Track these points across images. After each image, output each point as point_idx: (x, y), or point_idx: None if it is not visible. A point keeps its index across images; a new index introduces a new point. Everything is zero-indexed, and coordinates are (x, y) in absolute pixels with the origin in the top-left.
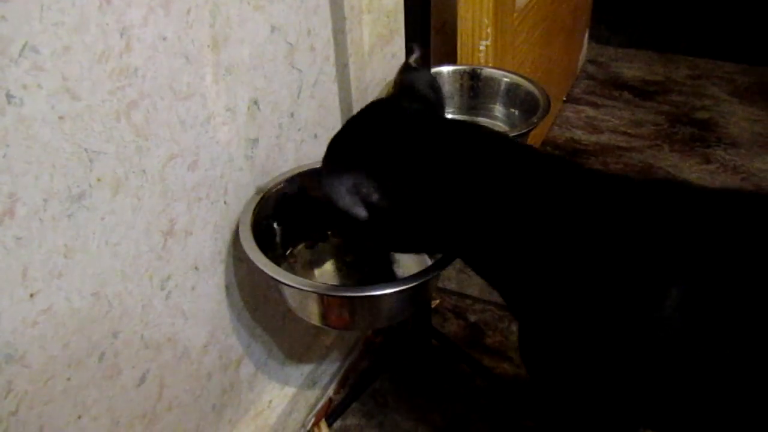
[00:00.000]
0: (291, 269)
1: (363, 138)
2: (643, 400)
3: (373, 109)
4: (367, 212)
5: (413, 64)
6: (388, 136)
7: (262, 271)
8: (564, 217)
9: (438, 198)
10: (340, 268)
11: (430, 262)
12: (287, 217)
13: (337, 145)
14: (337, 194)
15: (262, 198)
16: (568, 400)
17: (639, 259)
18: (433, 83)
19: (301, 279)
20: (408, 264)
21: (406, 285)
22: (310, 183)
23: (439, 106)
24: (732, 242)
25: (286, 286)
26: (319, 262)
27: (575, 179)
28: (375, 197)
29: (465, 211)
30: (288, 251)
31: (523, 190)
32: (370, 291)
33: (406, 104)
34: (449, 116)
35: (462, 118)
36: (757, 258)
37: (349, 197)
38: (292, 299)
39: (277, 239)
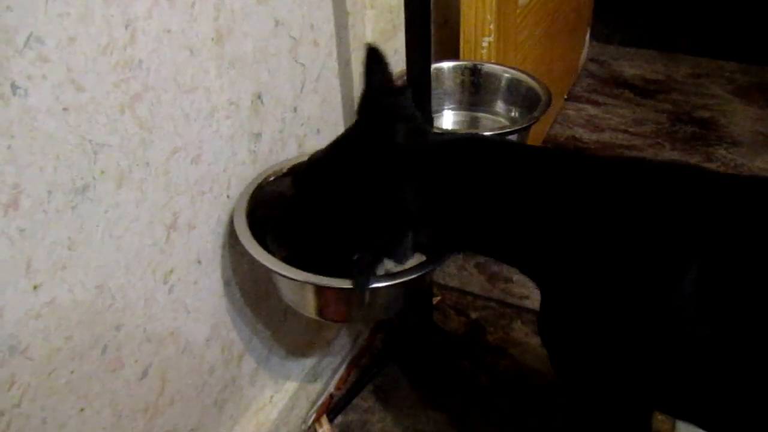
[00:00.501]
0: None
1: (388, 193)
2: (659, 379)
3: (369, 150)
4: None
5: (393, 79)
6: (412, 181)
7: (263, 265)
8: (584, 203)
9: (475, 215)
10: None
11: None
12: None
13: (361, 204)
14: (401, 257)
15: (258, 187)
16: (584, 378)
17: (658, 239)
18: (410, 105)
19: (296, 270)
20: None
21: (401, 278)
22: None
23: (422, 128)
24: (745, 224)
25: (281, 277)
26: None
27: (592, 168)
28: (428, 240)
29: (499, 218)
30: None
31: (548, 185)
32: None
33: (401, 136)
34: (453, 118)
35: (465, 121)
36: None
37: (410, 252)
38: (287, 291)
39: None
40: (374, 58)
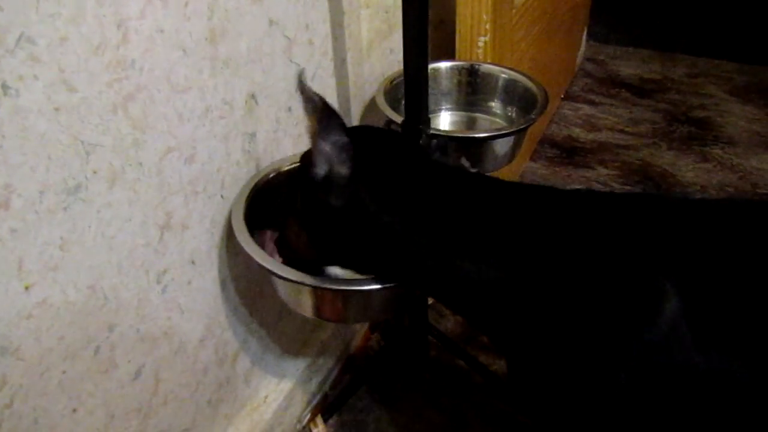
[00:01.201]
0: None
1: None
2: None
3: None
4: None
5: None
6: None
7: (258, 265)
8: (541, 248)
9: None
10: None
11: None
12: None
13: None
14: (317, 144)
15: (254, 186)
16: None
17: (624, 291)
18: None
19: (293, 271)
20: None
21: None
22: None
23: (425, 123)
24: (710, 266)
25: (278, 278)
26: None
27: (549, 210)
28: (345, 169)
29: (437, 245)
30: None
31: (498, 227)
32: (362, 285)
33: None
34: (450, 118)
35: (462, 123)
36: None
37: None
38: (284, 291)
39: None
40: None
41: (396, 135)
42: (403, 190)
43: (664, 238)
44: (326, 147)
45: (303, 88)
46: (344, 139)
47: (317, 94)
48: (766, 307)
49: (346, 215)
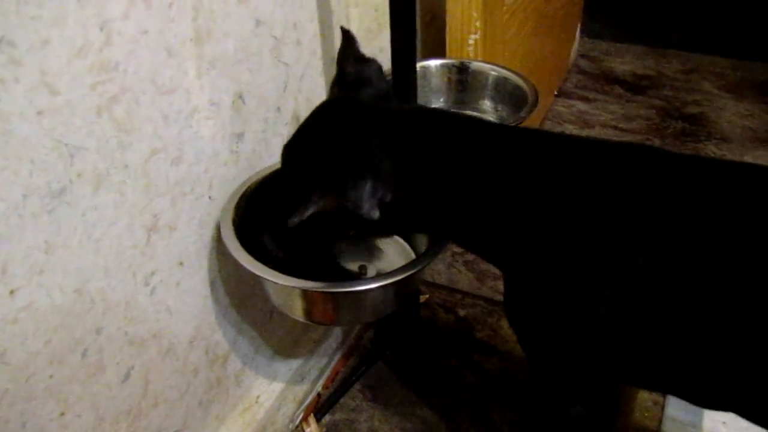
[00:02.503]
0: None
1: (352, 141)
2: (618, 352)
3: (337, 109)
4: (379, 213)
5: (361, 53)
6: (378, 135)
7: (248, 271)
8: (543, 187)
9: (436, 186)
10: None
11: (414, 256)
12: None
13: (326, 152)
14: (359, 201)
15: (243, 194)
16: (549, 354)
17: (611, 224)
18: (381, 71)
19: (284, 275)
20: (392, 257)
21: (390, 279)
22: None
23: (389, 95)
24: (699, 207)
25: (268, 282)
26: None
27: (550, 149)
28: (389, 198)
29: (459, 192)
30: None
31: (505, 166)
32: (353, 286)
33: (368, 99)
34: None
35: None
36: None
37: (369, 203)
38: (275, 295)
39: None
40: (347, 38)
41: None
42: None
43: (653, 190)
44: (365, 189)
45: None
46: (378, 177)
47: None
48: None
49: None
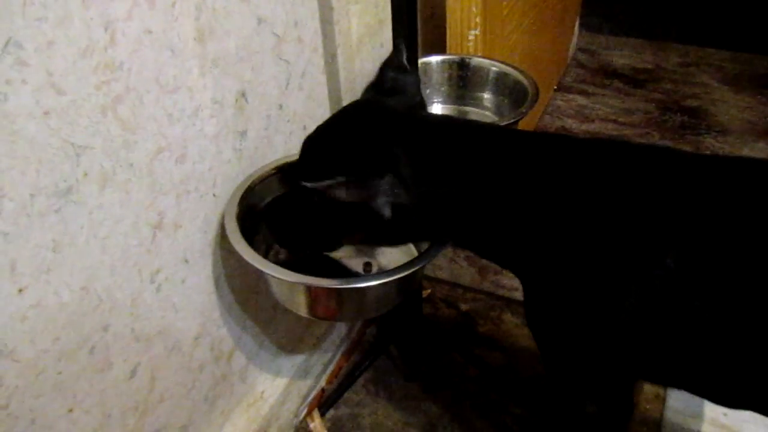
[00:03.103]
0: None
1: (377, 142)
2: (637, 351)
3: (366, 110)
4: (391, 212)
5: (405, 64)
6: (401, 142)
7: (252, 267)
8: (565, 191)
9: (455, 195)
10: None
11: (416, 253)
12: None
13: (351, 147)
14: (375, 194)
15: (248, 188)
16: (569, 356)
17: (638, 225)
18: (418, 83)
19: (287, 271)
20: (393, 254)
21: (392, 276)
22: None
23: (422, 106)
24: (724, 206)
25: (272, 278)
26: None
27: (571, 153)
28: (403, 199)
29: (478, 200)
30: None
31: (525, 172)
32: (357, 283)
33: (397, 106)
34: (441, 111)
35: (454, 115)
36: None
37: (383, 200)
38: (278, 291)
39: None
40: (396, 48)
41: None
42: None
43: (680, 193)
44: (383, 189)
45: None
46: (390, 175)
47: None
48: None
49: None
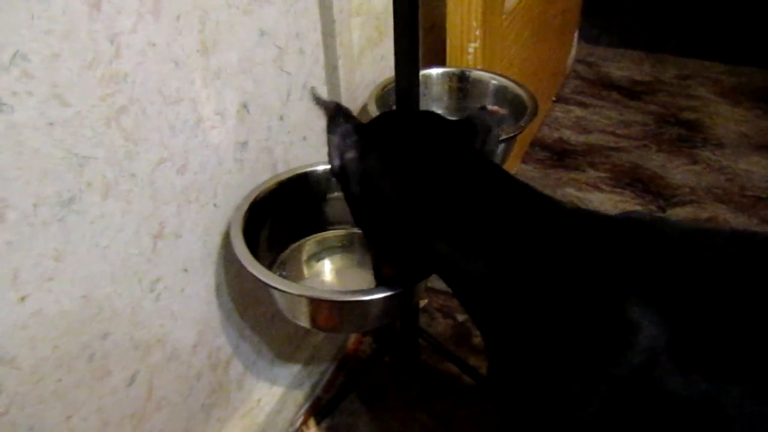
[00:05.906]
0: (286, 263)
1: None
2: None
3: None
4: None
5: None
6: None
7: (251, 273)
8: (534, 258)
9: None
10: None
11: None
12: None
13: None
14: (329, 140)
15: (253, 202)
16: None
17: (605, 312)
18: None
19: (291, 283)
20: None
21: (394, 290)
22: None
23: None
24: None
25: (276, 290)
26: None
27: (550, 217)
28: (352, 154)
29: (447, 237)
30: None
31: (502, 226)
32: (359, 296)
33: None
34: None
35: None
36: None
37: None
38: (282, 302)
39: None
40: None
41: (416, 116)
42: (407, 167)
43: (654, 263)
44: (335, 138)
45: (318, 101)
46: (348, 126)
47: (332, 101)
48: (755, 333)
49: (365, 199)
